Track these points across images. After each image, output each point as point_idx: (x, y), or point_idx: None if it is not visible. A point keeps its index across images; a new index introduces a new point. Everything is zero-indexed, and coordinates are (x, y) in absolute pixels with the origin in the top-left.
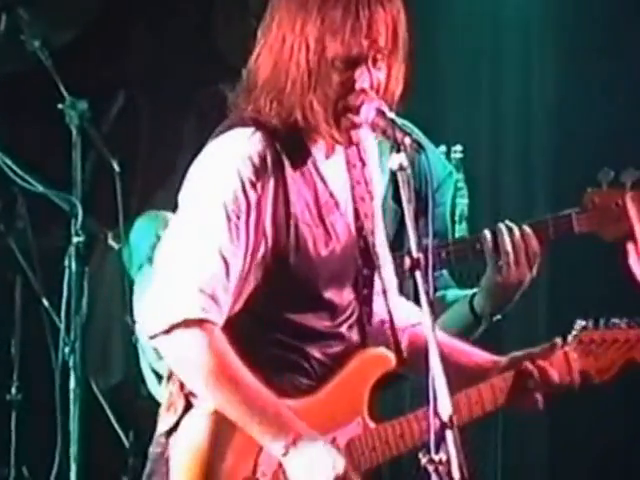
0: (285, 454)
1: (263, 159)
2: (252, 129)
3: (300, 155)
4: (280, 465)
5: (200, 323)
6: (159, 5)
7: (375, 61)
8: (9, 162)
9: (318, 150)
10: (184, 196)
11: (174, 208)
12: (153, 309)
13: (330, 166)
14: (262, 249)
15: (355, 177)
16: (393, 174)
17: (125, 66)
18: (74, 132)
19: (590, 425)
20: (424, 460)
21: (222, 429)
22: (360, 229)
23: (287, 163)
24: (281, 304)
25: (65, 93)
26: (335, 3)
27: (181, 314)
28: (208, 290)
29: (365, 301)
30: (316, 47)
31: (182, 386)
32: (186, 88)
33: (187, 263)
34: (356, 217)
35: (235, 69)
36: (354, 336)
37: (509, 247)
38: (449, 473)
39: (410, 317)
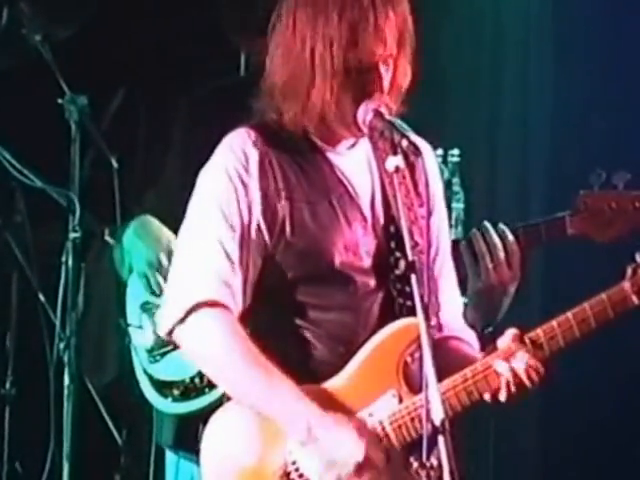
0: (304, 444)
1: (249, 155)
2: (244, 129)
3: (304, 149)
4: None
5: (213, 305)
6: (160, 2)
7: (385, 62)
8: (8, 156)
9: (331, 143)
10: (193, 197)
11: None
12: (166, 307)
13: (347, 157)
14: (256, 232)
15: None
16: None
17: (125, 63)
18: (73, 127)
19: (585, 427)
20: (415, 465)
21: (251, 422)
22: (388, 215)
23: (285, 154)
24: (294, 283)
25: (66, 88)
26: (353, 7)
27: (193, 299)
28: (220, 277)
29: (394, 284)
30: (338, 52)
31: None
32: (185, 86)
33: (194, 262)
34: (384, 203)
35: (233, 67)
36: (377, 312)
37: (484, 249)
38: (440, 478)
39: (455, 332)
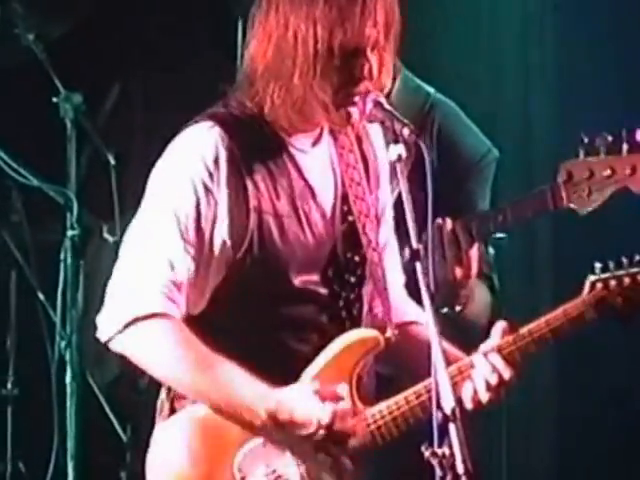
0: (271, 431)
1: (217, 158)
2: (209, 124)
3: (271, 147)
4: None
5: (155, 315)
6: None
7: (372, 49)
8: (4, 155)
9: (296, 141)
10: (146, 195)
11: None
12: (105, 314)
13: (311, 156)
14: (220, 248)
15: (348, 162)
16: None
17: (120, 59)
18: (69, 125)
19: (600, 418)
20: (427, 453)
21: (197, 436)
22: (346, 213)
23: (252, 156)
24: (253, 297)
25: (60, 87)
26: None
27: (132, 313)
28: (163, 290)
29: (351, 288)
30: (323, 34)
31: (169, 391)
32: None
33: (140, 268)
34: (343, 201)
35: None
36: (335, 324)
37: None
38: (453, 466)
39: (406, 315)
